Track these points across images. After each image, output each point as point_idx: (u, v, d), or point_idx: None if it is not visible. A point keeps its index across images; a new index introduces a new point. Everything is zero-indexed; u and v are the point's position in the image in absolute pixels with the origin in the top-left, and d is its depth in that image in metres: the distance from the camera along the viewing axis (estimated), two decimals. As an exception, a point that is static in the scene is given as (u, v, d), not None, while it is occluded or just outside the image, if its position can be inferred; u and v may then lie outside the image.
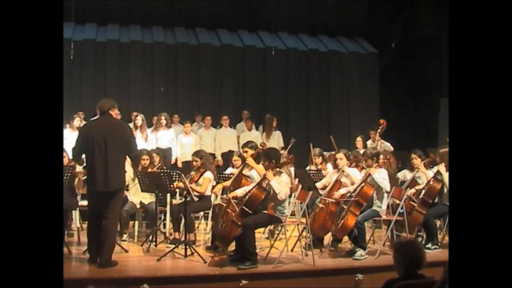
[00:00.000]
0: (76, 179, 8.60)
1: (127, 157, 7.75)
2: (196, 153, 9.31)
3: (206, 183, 8.94)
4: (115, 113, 7.62)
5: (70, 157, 7.97)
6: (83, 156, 7.38)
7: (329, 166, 10.31)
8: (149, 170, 9.15)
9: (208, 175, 8.99)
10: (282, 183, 7.40)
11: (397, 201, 8.72)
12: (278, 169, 7.50)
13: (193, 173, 9.10)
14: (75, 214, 9.34)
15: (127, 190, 9.26)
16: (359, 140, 12.57)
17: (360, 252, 7.94)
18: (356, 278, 7.26)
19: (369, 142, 12.74)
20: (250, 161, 8.26)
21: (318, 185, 8.81)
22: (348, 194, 8.31)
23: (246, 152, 8.91)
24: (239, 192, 7.75)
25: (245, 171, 8.55)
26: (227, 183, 8.84)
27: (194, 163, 9.15)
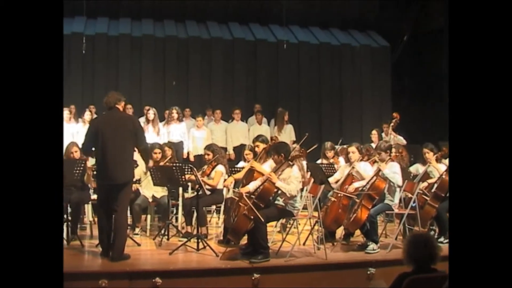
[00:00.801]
0: (86, 174, 8.62)
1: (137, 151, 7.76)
2: (208, 147, 9.31)
3: (218, 176, 8.95)
4: (123, 106, 7.64)
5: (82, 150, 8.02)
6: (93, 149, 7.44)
7: (341, 159, 10.30)
8: (161, 163, 9.16)
9: (220, 168, 9.01)
10: (292, 178, 7.39)
11: (410, 195, 8.70)
12: (289, 163, 7.50)
13: (205, 166, 9.11)
14: (88, 208, 9.38)
15: (139, 183, 9.29)
16: (374, 133, 12.50)
17: (372, 246, 7.93)
18: (368, 272, 7.26)
19: (382, 135, 12.70)
20: (255, 164, 8.21)
21: (331, 179, 8.78)
22: (361, 188, 8.30)
23: (257, 146, 8.91)
24: (251, 186, 7.75)
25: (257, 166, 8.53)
26: (238, 176, 8.85)
27: (206, 156, 9.15)
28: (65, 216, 8.44)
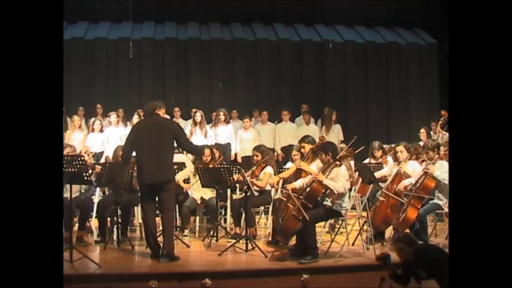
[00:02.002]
0: (134, 177, 8.72)
1: (185, 152, 7.82)
2: (257, 148, 9.32)
3: (267, 178, 8.95)
4: (163, 112, 7.77)
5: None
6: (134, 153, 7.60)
7: (389, 159, 10.20)
8: (211, 165, 9.20)
9: (269, 170, 9.01)
10: (339, 176, 7.35)
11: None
12: (337, 163, 7.47)
13: (254, 167, 9.12)
14: (137, 210, 9.48)
15: (188, 183, 9.37)
16: (422, 132, 12.36)
17: (422, 245, 7.84)
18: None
19: (430, 134, 12.55)
20: (302, 164, 8.20)
21: (377, 174, 8.71)
22: (409, 187, 8.21)
23: (303, 147, 8.88)
24: (297, 184, 7.73)
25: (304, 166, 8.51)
26: (283, 175, 8.87)
27: (255, 157, 9.16)
28: (115, 218, 8.56)
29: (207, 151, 9.41)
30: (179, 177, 9.19)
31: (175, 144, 7.63)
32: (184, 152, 9.43)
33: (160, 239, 7.57)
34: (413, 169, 8.58)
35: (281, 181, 9.08)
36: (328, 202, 7.54)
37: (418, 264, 4.44)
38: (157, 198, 7.52)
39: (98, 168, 8.73)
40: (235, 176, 8.69)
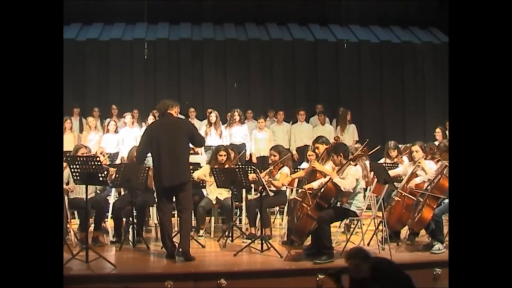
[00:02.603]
0: (149, 177, 8.74)
1: (202, 152, 7.82)
2: (275, 148, 9.32)
3: (283, 178, 8.95)
4: (176, 111, 7.75)
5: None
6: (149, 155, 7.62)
7: (405, 158, 10.16)
8: (226, 166, 9.21)
9: (286, 170, 9.01)
10: (348, 175, 7.34)
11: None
12: (351, 163, 7.45)
13: (271, 167, 9.12)
14: (152, 211, 9.52)
15: (204, 186, 9.38)
16: (438, 132, 12.29)
17: (438, 245, 7.80)
18: (434, 272, 7.14)
19: (446, 134, 12.48)
20: (316, 164, 8.19)
21: (391, 173, 8.68)
22: (425, 186, 8.18)
23: (318, 148, 8.87)
24: (315, 184, 7.73)
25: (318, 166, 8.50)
26: (297, 175, 8.87)
27: (272, 157, 9.14)
28: (130, 219, 8.59)
29: (222, 152, 9.40)
30: (196, 174, 9.20)
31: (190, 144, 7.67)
32: (198, 151, 9.45)
33: (175, 239, 7.60)
34: (429, 168, 8.55)
35: (296, 181, 9.08)
36: (343, 203, 7.54)
37: (374, 279, 4.31)
38: (174, 199, 7.54)
39: (112, 170, 8.76)
40: (251, 176, 8.69)
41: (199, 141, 7.84)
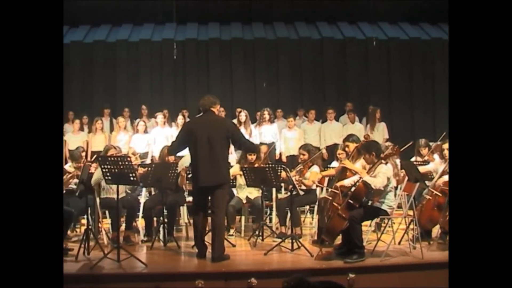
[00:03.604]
0: (180, 176, 8.77)
1: (232, 151, 7.80)
2: (304, 147, 9.31)
3: (314, 177, 8.95)
4: (218, 109, 7.72)
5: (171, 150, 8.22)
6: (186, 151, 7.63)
7: (436, 156, 10.07)
8: (256, 165, 9.20)
9: (316, 169, 9.00)
10: (379, 173, 7.29)
11: None
12: (382, 161, 7.41)
13: (301, 166, 9.11)
14: (183, 210, 9.55)
15: (234, 186, 9.40)
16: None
17: (470, 244, 7.72)
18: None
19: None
20: (346, 163, 8.15)
21: (421, 169, 8.60)
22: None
23: (348, 146, 8.83)
24: (347, 182, 7.70)
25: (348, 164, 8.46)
26: (327, 173, 8.86)
27: (302, 156, 9.14)
28: (161, 218, 8.63)
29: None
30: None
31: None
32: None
33: (207, 238, 7.61)
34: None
35: (327, 179, 9.06)
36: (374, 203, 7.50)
37: None
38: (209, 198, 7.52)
39: (141, 170, 8.81)
40: (282, 176, 8.69)
41: (241, 143, 7.74)
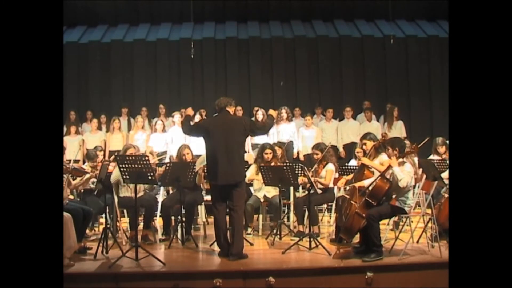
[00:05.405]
0: (198, 175, 8.79)
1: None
2: (316, 146, 9.33)
3: (330, 175, 8.95)
4: (233, 110, 7.77)
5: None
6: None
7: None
8: (272, 163, 9.20)
9: (331, 167, 9.01)
10: (404, 172, 7.28)
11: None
12: (401, 159, 7.39)
13: (315, 166, 9.11)
14: (201, 209, 9.57)
15: (251, 184, 9.40)
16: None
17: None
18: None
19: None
20: (364, 160, 8.13)
21: (444, 175, 8.57)
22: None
23: (365, 144, 8.80)
24: (366, 182, 7.68)
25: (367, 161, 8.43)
26: (350, 177, 8.82)
27: (315, 156, 9.17)
28: (179, 217, 8.65)
29: (268, 150, 9.37)
30: (248, 177, 9.20)
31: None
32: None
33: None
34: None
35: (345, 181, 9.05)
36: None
37: None
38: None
39: (159, 169, 8.84)
40: (300, 179, 8.71)
41: (256, 130, 7.81)
